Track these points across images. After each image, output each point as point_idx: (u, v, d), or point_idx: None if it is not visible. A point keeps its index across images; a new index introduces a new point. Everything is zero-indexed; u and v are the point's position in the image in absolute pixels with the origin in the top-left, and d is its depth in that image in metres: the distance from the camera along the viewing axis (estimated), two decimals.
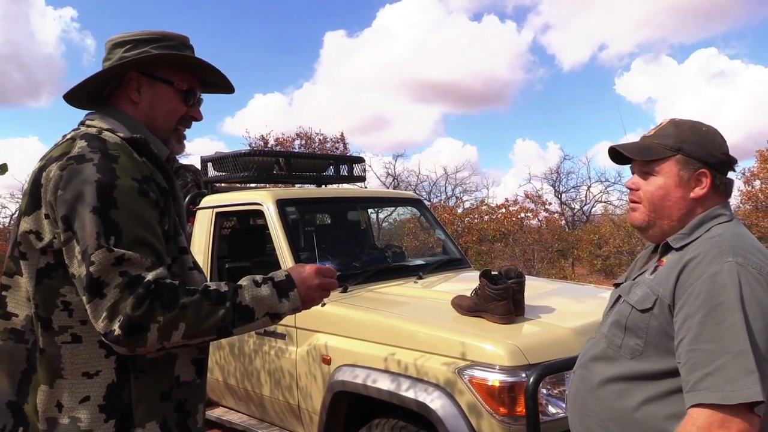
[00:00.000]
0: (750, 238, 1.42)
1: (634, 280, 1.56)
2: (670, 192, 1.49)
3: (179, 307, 1.30)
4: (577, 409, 1.56)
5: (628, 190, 1.59)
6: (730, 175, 1.52)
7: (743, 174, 12.47)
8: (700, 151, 1.47)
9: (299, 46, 42.24)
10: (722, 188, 1.49)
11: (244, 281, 1.44)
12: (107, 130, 1.46)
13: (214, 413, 3.95)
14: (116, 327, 1.26)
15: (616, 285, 1.65)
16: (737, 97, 34.33)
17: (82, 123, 1.53)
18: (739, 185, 13.51)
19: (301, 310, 1.49)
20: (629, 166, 1.62)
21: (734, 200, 14.02)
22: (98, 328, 1.28)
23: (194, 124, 1.67)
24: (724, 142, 1.51)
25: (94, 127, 1.48)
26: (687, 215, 1.48)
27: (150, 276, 1.29)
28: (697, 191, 1.47)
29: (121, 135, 1.46)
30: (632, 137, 2.12)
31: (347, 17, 42.97)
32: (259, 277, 1.45)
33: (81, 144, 1.39)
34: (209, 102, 1.75)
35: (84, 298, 1.29)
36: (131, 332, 1.26)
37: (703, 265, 1.33)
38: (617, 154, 1.60)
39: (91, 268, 1.27)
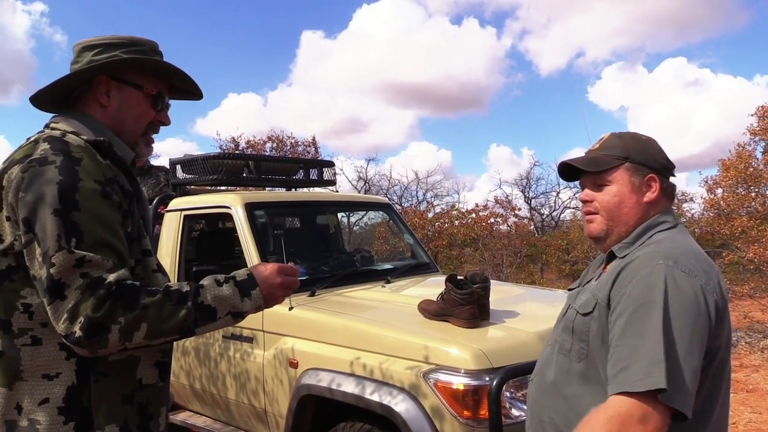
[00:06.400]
0: (688, 243, 1.48)
1: (583, 287, 1.62)
2: (625, 199, 1.54)
3: (140, 308, 1.31)
4: (535, 414, 1.59)
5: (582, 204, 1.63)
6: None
7: (706, 182, 12.72)
8: (645, 157, 1.54)
9: (275, 45, 41.76)
10: (669, 191, 1.57)
11: (205, 281, 1.45)
12: (71, 132, 1.46)
13: (179, 417, 3.91)
14: (77, 329, 1.25)
15: (570, 290, 1.70)
16: (707, 106, 34.88)
17: (46, 126, 1.53)
18: (702, 193, 13.74)
19: (264, 308, 1.50)
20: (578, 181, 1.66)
21: (697, 207, 14.29)
22: (59, 329, 1.28)
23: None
24: (662, 149, 1.59)
25: (59, 129, 1.47)
26: (642, 219, 1.54)
27: (111, 277, 1.30)
28: (650, 195, 1.53)
29: (85, 137, 1.46)
30: None
31: (324, 17, 42.63)
32: (220, 277, 1.46)
33: (44, 146, 1.38)
34: (181, 101, 1.76)
35: (45, 300, 1.29)
36: (92, 334, 1.26)
37: (637, 268, 1.39)
38: (566, 172, 1.65)
39: (51, 270, 1.27)
